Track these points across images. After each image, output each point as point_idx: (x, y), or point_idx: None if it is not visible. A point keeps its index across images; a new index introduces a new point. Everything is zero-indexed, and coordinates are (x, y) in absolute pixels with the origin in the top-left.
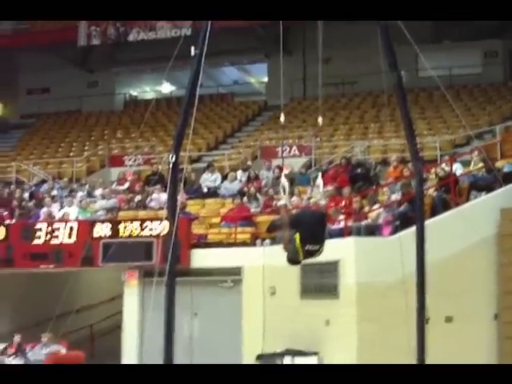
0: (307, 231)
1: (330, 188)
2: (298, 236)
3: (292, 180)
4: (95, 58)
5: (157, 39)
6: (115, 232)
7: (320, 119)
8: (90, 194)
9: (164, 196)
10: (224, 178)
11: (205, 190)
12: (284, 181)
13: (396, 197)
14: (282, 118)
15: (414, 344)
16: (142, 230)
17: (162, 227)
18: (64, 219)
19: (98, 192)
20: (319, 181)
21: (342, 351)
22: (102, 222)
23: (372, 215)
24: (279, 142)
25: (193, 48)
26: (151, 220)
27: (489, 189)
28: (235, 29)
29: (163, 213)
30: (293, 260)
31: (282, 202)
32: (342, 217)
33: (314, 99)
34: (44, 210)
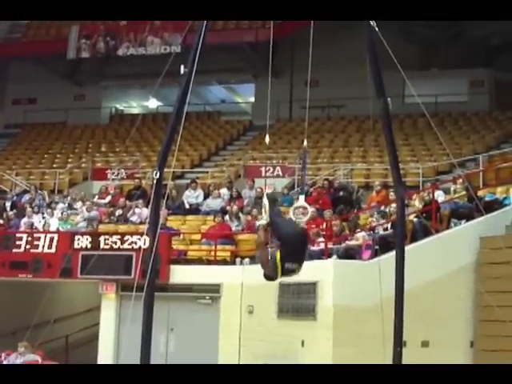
0: (288, 250)
1: (311, 209)
2: (278, 254)
3: (275, 200)
4: (84, 71)
5: (146, 55)
6: (95, 245)
7: (305, 142)
8: (71, 206)
9: (145, 211)
10: (206, 195)
11: (187, 206)
12: (265, 200)
13: (378, 221)
14: (267, 140)
15: None
16: (122, 243)
17: (142, 242)
18: (44, 230)
19: (79, 204)
20: (301, 200)
21: None
22: (82, 234)
23: (352, 238)
24: (263, 162)
25: (182, 66)
26: (131, 234)
27: (469, 217)
28: (224, 48)
29: (144, 227)
30: (270, 277)
31: (261, 222)
32: (321, 239)
33: (300, 121)
34: (24, 220)
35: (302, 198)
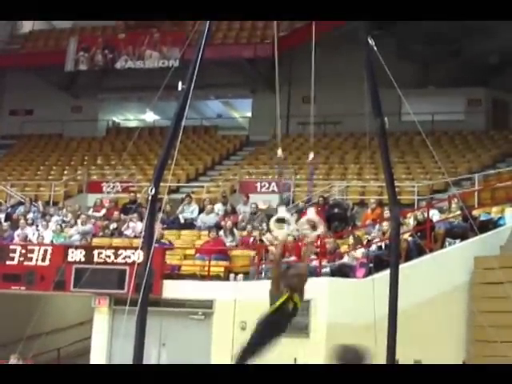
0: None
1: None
2: (284, 297)
3: (269, 216)
4: (81, 83)
5: (144, 68)
6: (89, 258)
7: (311, 155)
8: (65, 219)
9: (140, 225)
10: (201, 210)
11: (182, 221)
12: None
13: (374, 239)
14: (280, 152)
15: None
16: (116, 257)
17: (136, 256)
18: (38, 243)
19: (71, 217)
20: (311, 213)
21: None
22: (76, 247)
23: (350, 256)
24: (259, 177)
25: (180, 83)
26: (125, 248)
27: (464, 237)
28: (222, 63)
29: (138, 241)
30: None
31: (281, 235)
32: (314, 256)
33: (297, 137)
34: (18, 232)
35: (311, 210)
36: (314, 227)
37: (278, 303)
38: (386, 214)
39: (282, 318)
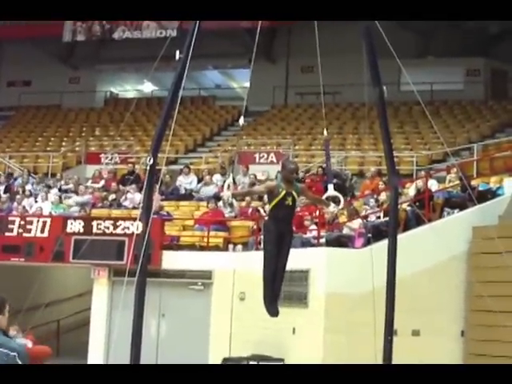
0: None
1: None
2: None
3: None
4: (79, 54)
5: (142, 39)
6: (88, 229)
7: (325, 132)
8: (64, 190)
9: (139, 196)
10: (200, 180)
11: (182, 191)
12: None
13: (372, 209)
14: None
15: (380, 357)
16: (115, 228)
17: (135, 227)
18: (37, 214)
19: (73, 188)
20: (331, 190)
21: (307, 360)
22: (75, 218)
23: (348, 226)
24: (257, 148)
25: (178, 52)
26: (124, 219)
27: (462, 206)
28: (220, 33)
29: (137, 212)
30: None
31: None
32: (313, 226)
33: (295, 107)
34: (15, 203)
35: (330, 187)
36: (334, 202)
37: (275, 200)
38: (382, 184)
39: (283, 211)
